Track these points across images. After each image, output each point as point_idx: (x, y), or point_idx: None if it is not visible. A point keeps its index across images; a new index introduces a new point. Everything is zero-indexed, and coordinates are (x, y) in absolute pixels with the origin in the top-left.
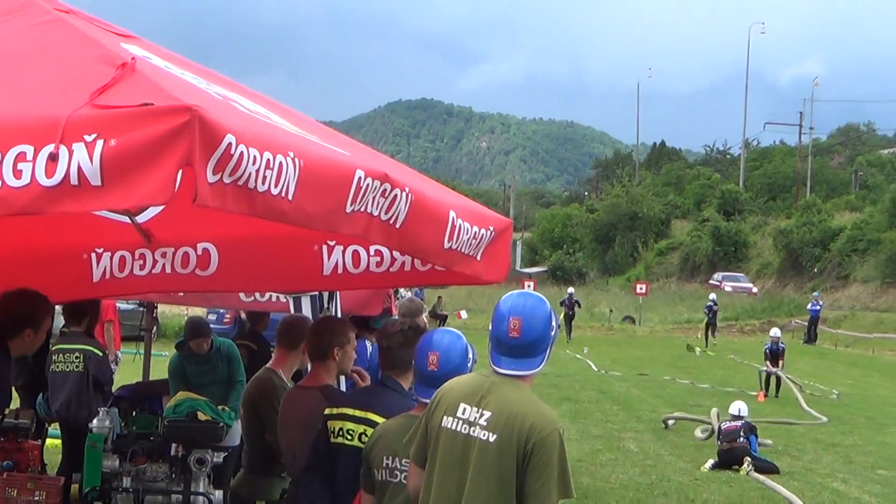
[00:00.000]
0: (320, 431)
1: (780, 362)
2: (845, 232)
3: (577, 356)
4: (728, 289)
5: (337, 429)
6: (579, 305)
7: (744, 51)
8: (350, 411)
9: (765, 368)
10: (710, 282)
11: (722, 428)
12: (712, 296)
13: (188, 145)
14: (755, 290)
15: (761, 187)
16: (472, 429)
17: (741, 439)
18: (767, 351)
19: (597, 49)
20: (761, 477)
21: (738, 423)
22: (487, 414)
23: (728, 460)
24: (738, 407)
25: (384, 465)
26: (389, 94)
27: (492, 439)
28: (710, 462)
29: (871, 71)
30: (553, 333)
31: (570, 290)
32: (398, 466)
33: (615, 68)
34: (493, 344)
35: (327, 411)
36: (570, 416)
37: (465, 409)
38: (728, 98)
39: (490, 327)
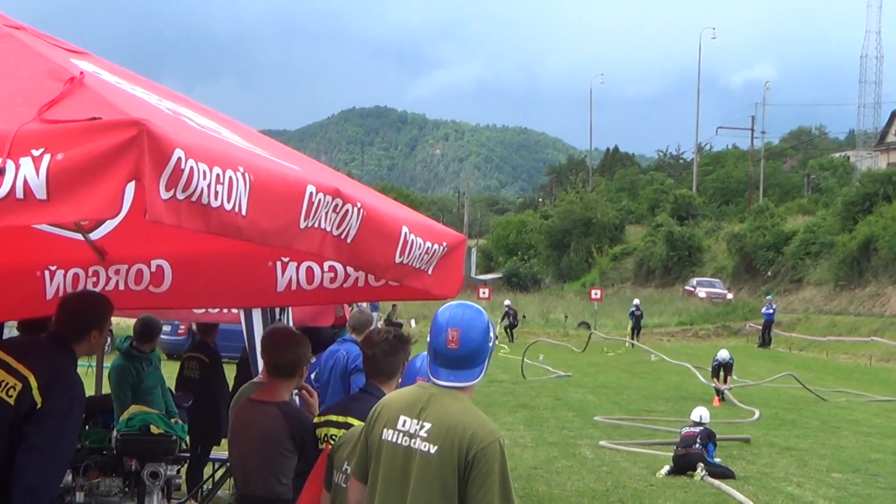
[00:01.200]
0: (311, 438)
1: (728, 378)
2: (798, 235)
3: (533, 363)
4: (702, 294)
5: (323, 435)
6: (515, 317)
7: (695, 55)
8: (333, 417)
9: (713, 384)
10: (686, 287)
11: (682, 433)
12: (636, 301)
13: (136, 159)
14: (730, 296)
15: (714, 192)
16: (413, 441)
17: (697, 445)
18: (715, 366)
19: (549, 55)
20: (716, 482)
21: (697, 429)
22: (427, 425)
23: (683, 465)
24: (700, 413)
25: (343, 468)
26: (342, 101)
27: (432, 451)
28: (666, 468)
29: (822, 74)
30: (491, 345)
31: (507, 302)
32: None
33: (567, 74)
34: (432, 355)
35: (315, 419)
36: (525, 423)
37: (404, 422)
38: (680, 102)
39: (428, 339)
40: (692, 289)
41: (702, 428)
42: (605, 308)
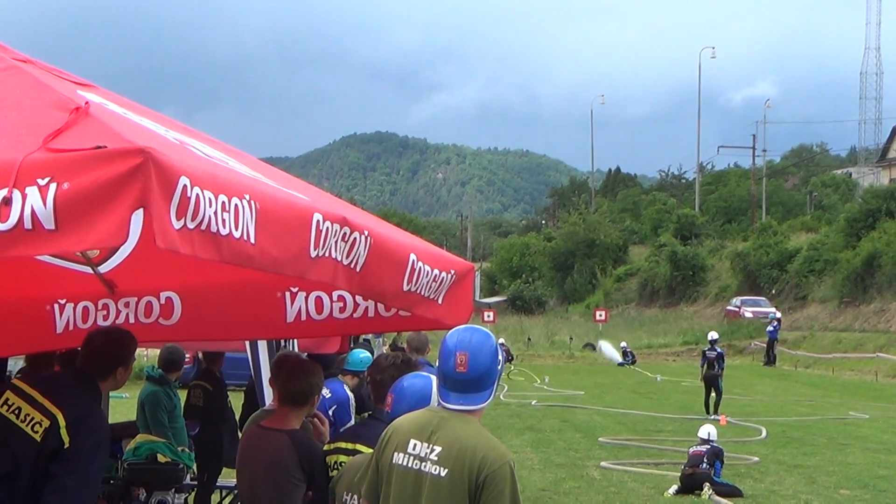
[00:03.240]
0: (321, 467)
1: (718, 370)
2: (802, 253)
3: (539, 384)
4: (749, 315)
5: (333, 462)
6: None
7: (695, 73)
8: (343, 444)
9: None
10: (728, 308)
11: (689, 452)
12: (623, 343)
13: (142, 187)
14: (779, 314)
15: (717, 211)
16: (423, 464)
17: (704, 465)
18: (704, 351)
19: (549, 75)
20: (723, 501)
21: (704, 448)
22: (438, 449)
23: (690, 485)
24: (708, 431)
25: (343, 500)
26: (343, 127)
27: (443, 474)
28: (674, 488)
29: (822, 91)
30: (499, 367)
31: (500, 340)
32: None
33: (568, 94)
34: (441, 379)
35: (325, 447)
36: (532, 445)
37: (415, 445)
38: (681, 121)
39: (437, 363)
40: (736, 309)
41: (709, 447)
42: (609, 329)
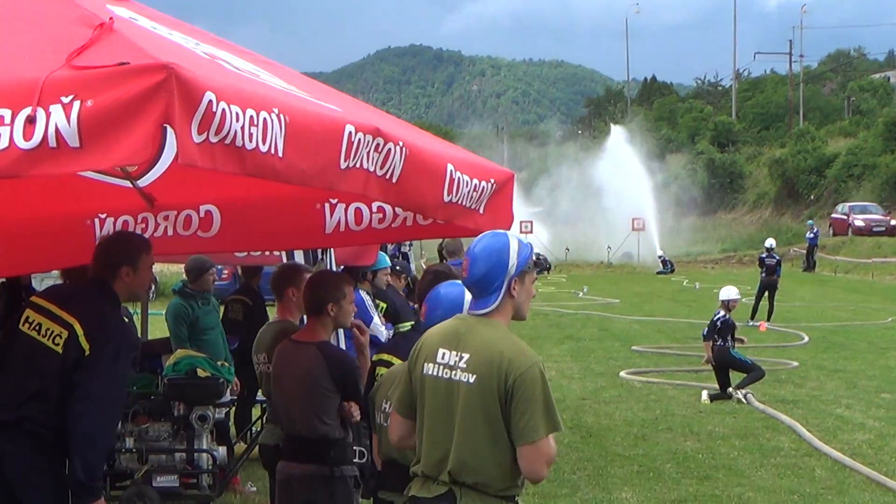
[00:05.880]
0: (368, 380)
1: (777, 277)
2: (840, 158)
3: (579, 293)
4: (860, 223)
5: (377, 375)
6: (547, 266)
7: None
8: (385, 356)
9: (762, 274)
10: (834, 216)
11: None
12: (660, 252)
13: (166, 103)
14: (894, 221)
15: (754, 117)
16: (453, 372)
17: (719, 342)
18: (763, 258)
19: None
20: (760, 405)
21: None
22: (466, 356)
23: (722, 363)
24: (728, 292)
25: (382, 408)
26: (377, 41)
27: (472, 380)
28: (705, 393)
29: None
30: (511, 270)
31: (537, 250)
32: None
33: (602, 2)
34: None
35: (374, 358)
36: (571, 354)
37: (444, 354)
38: (716, 28)
39: None
40: (844, 217)
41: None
42: (647, 237)
